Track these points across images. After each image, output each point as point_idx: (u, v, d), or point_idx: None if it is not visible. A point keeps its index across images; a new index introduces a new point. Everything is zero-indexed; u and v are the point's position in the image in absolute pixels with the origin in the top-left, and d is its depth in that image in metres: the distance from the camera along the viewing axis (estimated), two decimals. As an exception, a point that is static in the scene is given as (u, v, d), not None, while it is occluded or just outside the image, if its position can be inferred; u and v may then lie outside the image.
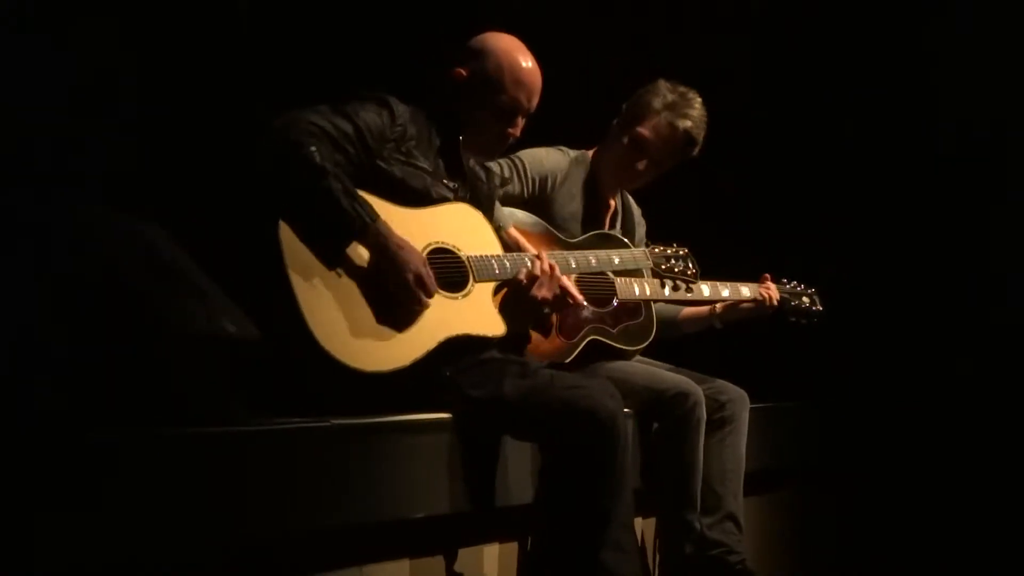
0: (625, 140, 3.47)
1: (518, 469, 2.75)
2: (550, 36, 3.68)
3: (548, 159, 3.46)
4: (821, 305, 3.78)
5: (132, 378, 2.13)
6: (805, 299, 3.75)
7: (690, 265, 3.33)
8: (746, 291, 3.65)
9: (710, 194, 4.47)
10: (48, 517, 1.84)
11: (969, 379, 4.56)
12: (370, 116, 2.69)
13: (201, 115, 3.19)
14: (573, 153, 3.55)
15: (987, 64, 4.55)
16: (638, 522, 3.37)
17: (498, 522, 2.82)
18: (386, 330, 2.58)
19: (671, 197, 3.71)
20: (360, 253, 2.60)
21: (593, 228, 3.46)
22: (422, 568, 2.62)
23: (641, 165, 3.49)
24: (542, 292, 2.85)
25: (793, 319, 3.74)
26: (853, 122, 4.79)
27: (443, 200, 2.81)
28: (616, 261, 3.17)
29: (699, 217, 4.32)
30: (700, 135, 3.47)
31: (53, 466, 1.86)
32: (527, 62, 2.89)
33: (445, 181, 2.84)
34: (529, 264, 2.86)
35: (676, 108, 3.42)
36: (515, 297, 2.86)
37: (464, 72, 2.88)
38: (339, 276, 2.56)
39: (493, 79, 2.86)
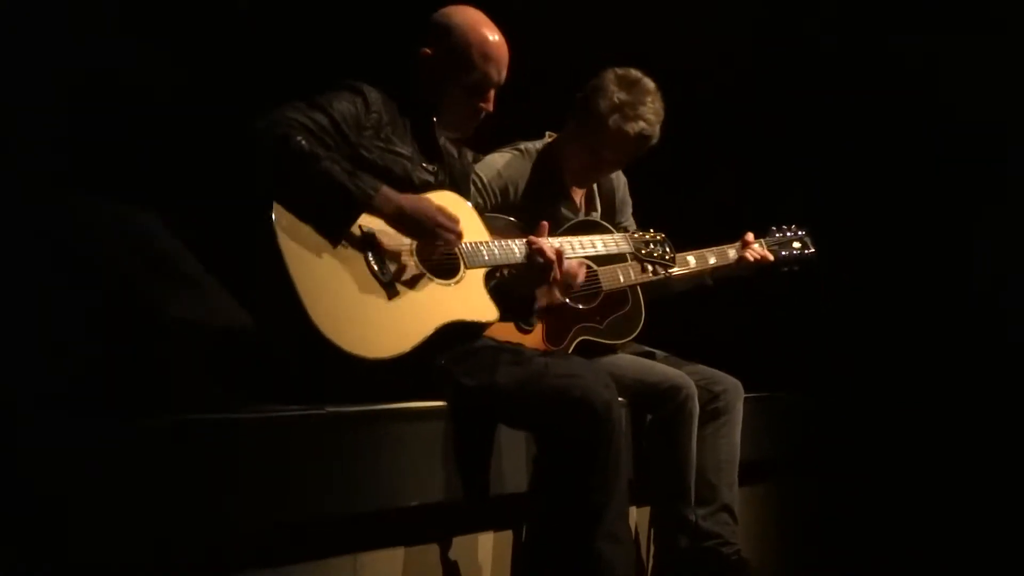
0: (579, 141, 3.45)
1: (513, 458, 2.75)
2: (529, 17, 3.67)
3: (505, 168, 3.43)
4: (813, 247, 3.74)
5: (125, 366, 2.13)
6: (796, 244, 3.73)
7: (667, 250, 3.28)
8: (732, 253, 3.62)
9: (707, 173, 4.47)
10: (41, 506, 1.84)
11: (963, 372, 4.57)
12: (344, 106, 2.68)
13: (197, 106, 3.20)
14: (532, 148, 3.51)
15: (987, 62, 4.57)
16: (632, 512, 3.37)
17: (493, 510, 2.81)
18: (384, 317, 2.59)
19: (664, 167, 3.68)
20: (357, 238, 2.60)
21: (562, 217, 3.43)
22: (416, 556, 2.62)
23: (600, 168, 3.51)
24: (555, 274, 2.85)
25: (785, 269, 3.72)
26: (854, 119, 4.79)
27: (425, 184, 2.80)
28: (599, 246, 3.13)
29: (696, 191, 4.33)
30: (655, 130, 3.42)
31: (46, 455, 1.85)
32: (493, 35, 2.86)
33: (424, 164, 2.83)
34: (518, 251, 2.85)
35: (624, 110, 3.37)
36: (530, 282, 2.88)
37: (430, 51, 2.85)
38: (336, 265, 2.56)
39: (461, 56, 2.83)
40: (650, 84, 3.42)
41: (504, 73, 2.88)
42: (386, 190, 2.61)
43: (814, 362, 4.54)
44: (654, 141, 3.45)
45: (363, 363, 2.50)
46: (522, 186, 3.43)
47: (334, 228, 2.56)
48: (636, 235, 3.26)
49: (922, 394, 4.61)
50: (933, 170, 4.71)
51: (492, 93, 2.88)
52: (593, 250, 3.10)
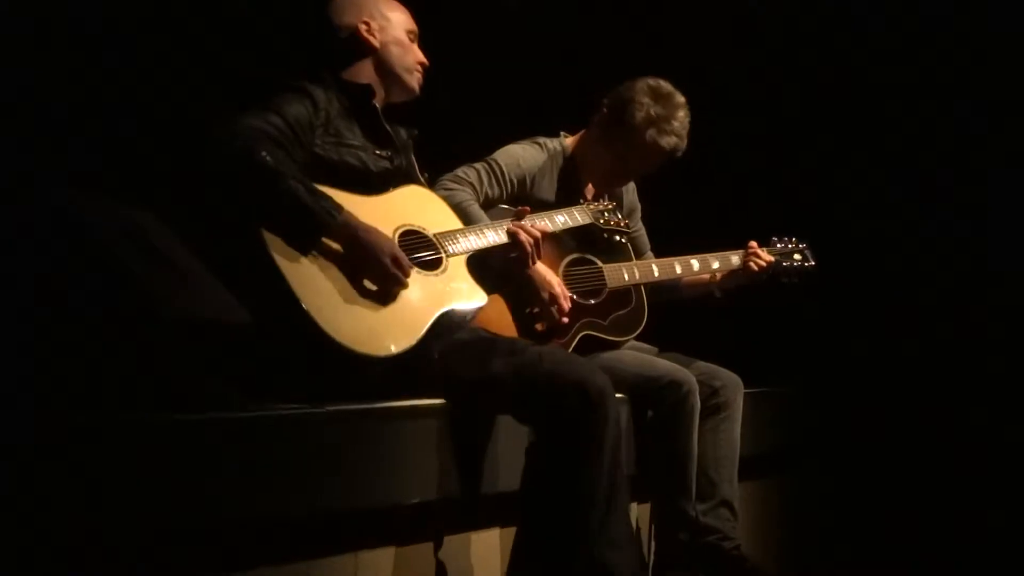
0: (606, 147, 3.47)
1: (511, 455, 2.75)
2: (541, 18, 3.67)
3: (524, 159, 3.44)
4: (813, 259, 3.75)
5: (123, 364, 2.13)
6: (797, 256, 3.73)
7: (619, 216, 3.36)
8: (736, 259, 3.64)
9: (705, 176, 4.47)
10: (41, 505, 1.84)
11: (965, 367, 4.58)
12: (295, 108, 2.70)
13: (192, 105, 3.19)
14: (550, 144, 3.53)
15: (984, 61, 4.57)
16: (633, 508, 3.37)
17: (494, 507, 2.81)
18: (383, 314, 2.61)
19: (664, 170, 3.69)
20: (335, 246, 2.62)
21: None
22: (417, 554, 2.63)
23: (626, 176, 3.56)
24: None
25: (785, 280, 3.72)
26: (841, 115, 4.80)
27: (383, 172, 2.83)
28: (560, 220, 3.18)
29: (693, 192, 4.33)
30: (684, 143, 3.46)
31: (46, 451, 1.86)
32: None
33: (377, 152, 2.85)
34: (490, 236, 2.91)
35: (659, 123, 3.40)
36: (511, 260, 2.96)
37: (371, 22, 2.92)
38: (328, 268, 2.58)
39: (380, 15, 2.94)
40: (681, 98, 3.46)
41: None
42: (347, 214, 2.61)
43: (814, 357, 4.55)
44: (680, 153, 3.49)
45: (374, 361, 2.52)
46: (538, 178, 3.45)
47: (298, 246, 2.56)
48: (591, 206, 3.32)
49: (923, 389, 4.62)
50: (929, 167, 4.71)
51: (416, 41, 2.99)
52: (553, 225, 3.14)
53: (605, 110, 3.49)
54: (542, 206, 3.37)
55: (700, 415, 3.34)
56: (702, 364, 3.48)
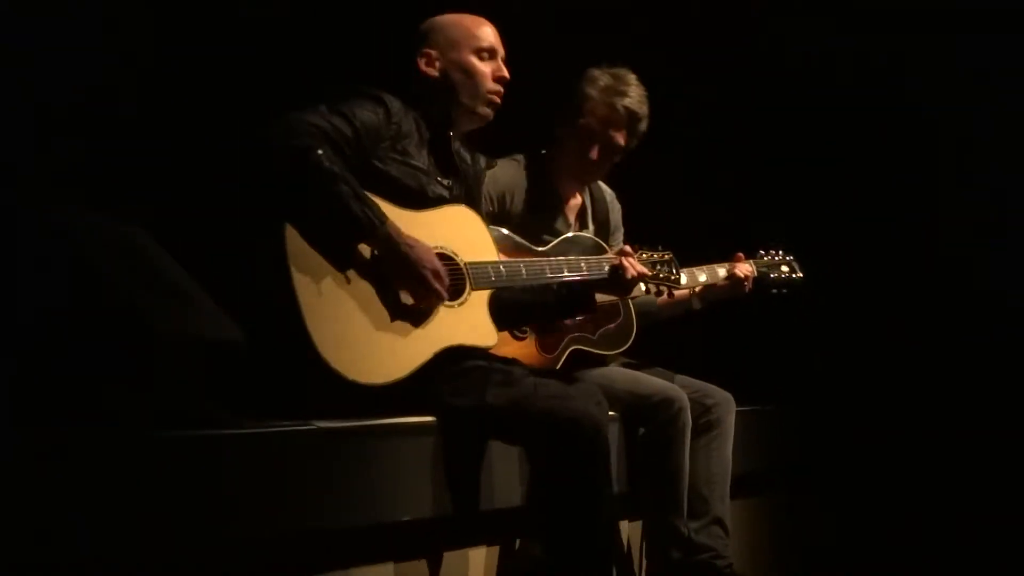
0: (571, 136, 3.47)
1: (504, 472, 2.75)
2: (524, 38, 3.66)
3: (503, 175, 3.44)
4: (801, 271, 3.75)
5: (116, 380, 2.13)
6: (784, 268, 3.74)
7: (673, 271, 3.24)
8: (723, 272, 3.62)
9: (693, 179, 4.48)
10: (34, 518, 1.84)
11: (956, 383, 4.58)
12: (367, 115, 2.67)
13: (201, 115, 3.19)
14: (526, 160, 3.53)
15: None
16: (624, 526, 3.38)
17: (484, 525, 2.81)
18: (384, 340, 2.57)
19: (648, 177, 3.69)
20: (366, 260, 2.59)
21: (553, 229, 3.45)
22: (408, 571, 2.62)
23: (594, 154, 3.47)
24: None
25: (774, 291, 3.72)
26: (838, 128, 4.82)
27: (439, 199, 2.79)
28: (606, 268, 3.08)
29: (678, 199, 4.33)
30: (643, 109, 3.46)
31: (34, 467, 1.85)
32: (468, 15, 2.93)
33: (439, 179, 2.82)
34: (525, 271, 2.86)
35: (611, 90, 3.42)
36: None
37: (429, 51, 2.88)
38: (343, 284, 2.55)
39: (456, 34, 2.88)
40: (633, 75, 3.48)
41: (498, 40, 2.92)
42: (392, 224, 2.58)
43: (805, 375, 4.55)
44: (643, 125, 3.48)
45: (358, 388, 2.49)
46: (516, 194, 3.45)
47: (335, 252, 2.54)
48: (644, 255, 3.20)
49: (914, 406, 4.62)
50: (925, 180, 4.72)
51: (499, 60, 2.91)
52: (601, 273, 3.08)
53: (562, 107, 3.50)
54: (518, 220, 3.37)
55: (692, 433, 3.34)
56: (694, 382, 3.49)
